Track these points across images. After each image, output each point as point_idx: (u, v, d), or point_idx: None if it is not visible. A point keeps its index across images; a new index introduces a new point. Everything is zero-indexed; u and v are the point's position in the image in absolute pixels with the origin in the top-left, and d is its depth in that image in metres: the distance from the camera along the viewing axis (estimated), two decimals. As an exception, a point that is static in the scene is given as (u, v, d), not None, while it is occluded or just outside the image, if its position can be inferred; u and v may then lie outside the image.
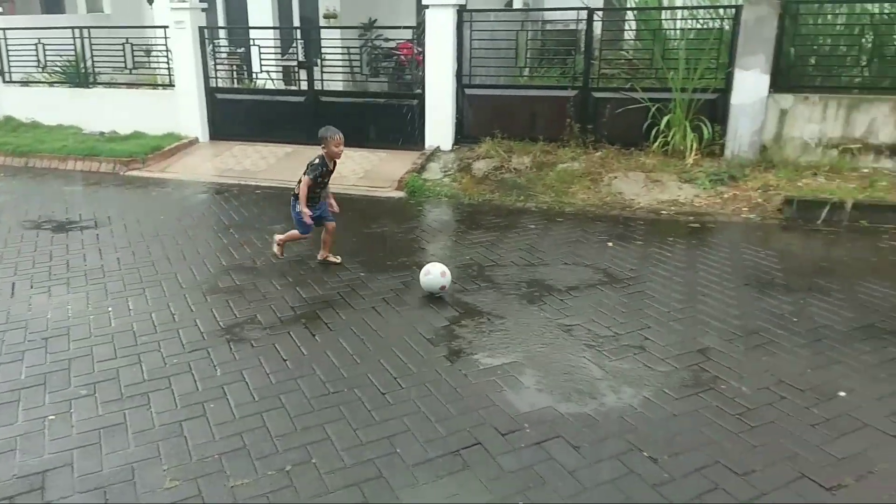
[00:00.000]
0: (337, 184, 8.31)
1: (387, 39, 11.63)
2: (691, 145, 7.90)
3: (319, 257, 5.76)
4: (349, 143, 9.57)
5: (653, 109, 8.13)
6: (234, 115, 10.29)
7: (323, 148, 5.47)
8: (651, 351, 4.23)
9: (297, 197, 5.51)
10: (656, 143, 8.12)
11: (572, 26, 9.51)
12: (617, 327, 4.55)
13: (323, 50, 9.90)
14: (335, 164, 5.60)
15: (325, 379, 3.90)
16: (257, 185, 8.50)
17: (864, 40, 7.58)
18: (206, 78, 10.25)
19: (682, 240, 6.27)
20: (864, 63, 7.63)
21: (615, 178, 7.86)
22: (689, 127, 7.95)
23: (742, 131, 7.73)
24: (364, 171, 8.71)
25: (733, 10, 7.77)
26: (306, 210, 5.46)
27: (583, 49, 8.69)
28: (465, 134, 9.13)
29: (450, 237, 6.64)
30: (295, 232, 5.73)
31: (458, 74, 9.00)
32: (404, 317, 4.73)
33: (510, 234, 6.54)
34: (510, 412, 3.59)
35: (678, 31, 8.62)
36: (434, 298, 5.01)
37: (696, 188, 7.42)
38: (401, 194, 7.99)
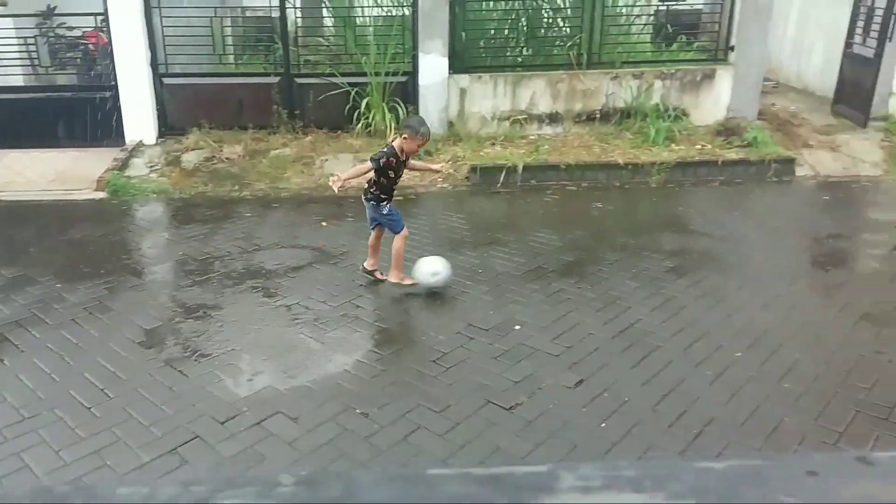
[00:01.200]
0: (21, 190, 7.36)
1: (70, 28, 10.39)
2: (390, 125, 8.30)
3: (367, 266, 4.92)
4: (35, 144, 8.57)
5: (353, 93, 8.37)
6: None
7: (404, 138, 4.58)
8: (362, 317, 4.45)
9: (377, 199, 4.68)
10: (360, 125, 8.39)
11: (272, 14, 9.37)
12: (332, 301, 4.70)
13: (-10, 42, 8.54)
14: (408, 157, 4.72)
15: (19, 405, 3.49)
16: (-80, 200, 7.15)
17: (520, 24, 8.55)
18: None
19: (388, 212, 6.62)
20: (522, 44, 8.63)
21: (326, 160, 7.99)
22: (387, 108, 8.33)
23: (431, 110, 8.30)
24: (55, 172, 7.77)
25: (410, -3, 8.27)
26: (339, 175, 4.47)
27: (280, 36, 8.63)
28: (170, 126, 8.57)
29: (160, 234, 6.26)
30: (398, 244, 4.72)
31: (154, 63, 8.40)
32: (111, 324, 4.39)
33: (225, 224, 6.35)
34: (229, 400, 3.55)
35: (367, 18, 8.94)
36: (144, 302, 4.72)
37: (399, 164, 7.84)
38: (102, 195, 7.29)
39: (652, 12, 8.93)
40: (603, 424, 3.34)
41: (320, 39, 9.63)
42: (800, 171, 7.20)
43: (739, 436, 3.23)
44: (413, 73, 8.39)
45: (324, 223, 6.31)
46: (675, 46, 8.61)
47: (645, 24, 8.91)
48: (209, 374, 3.79)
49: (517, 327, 4.28)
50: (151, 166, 7.97)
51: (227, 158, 8.03)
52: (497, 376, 3.75)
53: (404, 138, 4.58)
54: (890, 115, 8.13)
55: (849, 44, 8.32)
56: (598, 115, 8.23)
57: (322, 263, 5.35)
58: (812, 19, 9.93)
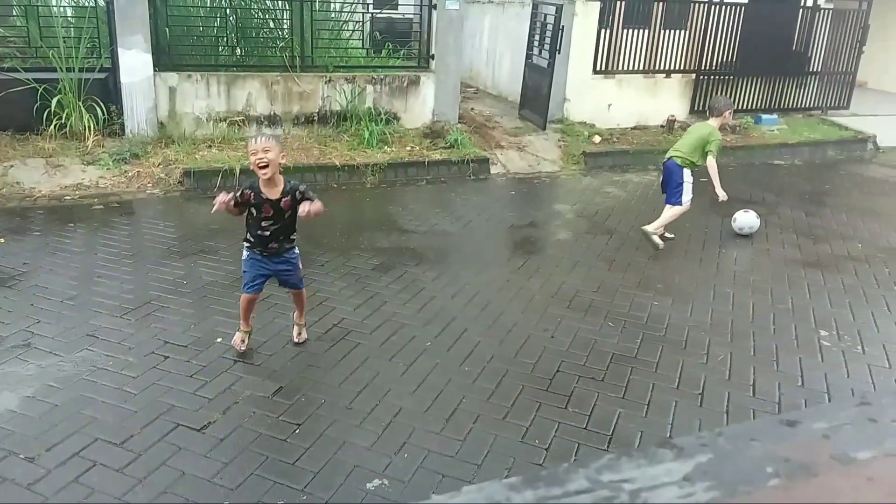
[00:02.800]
0: None
1: None
2: (89, 126, 7.41)
3: (295, 338, 4.06)
4: None
5: (40, 90, 7.30)
6: None
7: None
8: (38, 346, 3.88)
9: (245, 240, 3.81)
10: (52, 126, 7.36)
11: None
12: (1, 330, 4.02)
13: None
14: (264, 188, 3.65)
15: None
16: None
17: (229, 23, 8.16)
18: None
19: (85, 224, 5.89)
20: (234, 43, 8.25)
21: (12, 166, 6.87)
22: (84, 108, 7.42)
23: (138, 109, 7.58)
24: None
25: (104, -11, 7.43)
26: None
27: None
28: None
29: None
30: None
31: None
32: None
33: None
34: None
35: (54, 9, 7.86)
36: None
37: (101, 169, 7.03)
38: None
39: (360, 19, 9.09)
40: (297, 431, 3.28)
41: (-1, 29, 8.25)
42: (493, 170, 7.87)
43: (423, 422, 3.39)
44: (113, 70, 7.57)
45: (2, 239, 5.41)
46: (384, 53, 8.87)
47: (353, 31, 9.05)
48: None
49: (219, 340, 4.05)
50: None
51: None
52: (191, 396, 3.50)
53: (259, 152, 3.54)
54: (564, 119, 9.25)
55: (529, 55, 9.29)
56: (315, 118, 8.18)
57: (-7, 287, 4.57)
58: (501, 32, 10.93)
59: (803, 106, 10.80)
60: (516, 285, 5.01)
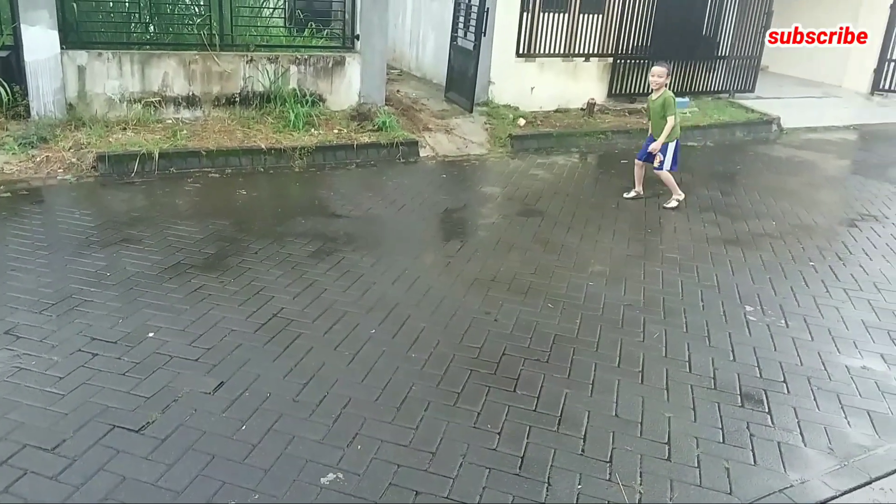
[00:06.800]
0: None
1: None
2: (-11, 107, 6.81)
3: None
4: None
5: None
6: None
7: None
8: (-53, 350, 3.54)
9: None
10: (-54, 107, 6.72)
11: None
12: None
13: None
14: None
15: None
16: None
17: (142, -2, 7.67)
18: None
19: (-10, 213, 5.42)
20: (147, 19, 7.77)
21: None
22: (-13, 87, 6.82)
23: (44, 90, 7.02)
24: None
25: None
26: None
27: None
28: None
29: None
30: None
31: None
32: None
33: None
34: None
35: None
36: None
37: (6, 154, 6.47)
38: None
39: (282, -4, 8.75)
40: (243, 427, 3.15)
41: None
42: (423, 153, 7.79)
43: (374, 412, 3.33)
44: (16, 48, 6.97)
45: None
46: (307, 33, 8.58)
47: (275, 8, 8.70)
48: None
49: (151, 335, 3.83)
50: None
51: None
52: (125, 395, 3.29)
53: None
54: (490, 101, 9.26)
55: (454, 37, 9.21)
56: (237, 99, 7.84)
57: None
58: (424, 13, 10.78)
59: (713, 89, 11.26)
60: (455, 269, 4.98)
